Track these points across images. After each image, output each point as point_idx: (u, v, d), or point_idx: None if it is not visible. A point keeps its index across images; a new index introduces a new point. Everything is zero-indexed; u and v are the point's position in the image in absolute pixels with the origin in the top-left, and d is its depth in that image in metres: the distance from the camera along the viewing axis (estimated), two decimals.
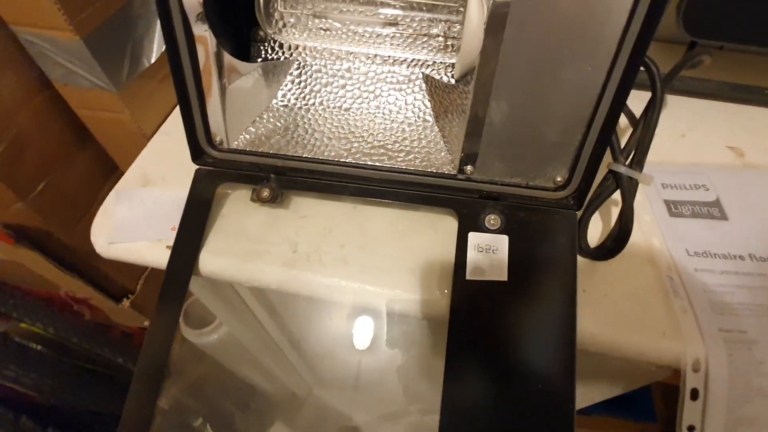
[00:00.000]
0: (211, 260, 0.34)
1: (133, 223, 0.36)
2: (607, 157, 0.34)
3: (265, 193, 0.35)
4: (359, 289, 0.34)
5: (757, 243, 0.37)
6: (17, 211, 0.40)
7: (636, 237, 0.35)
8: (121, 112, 0.40)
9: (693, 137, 0.46)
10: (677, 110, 0.47)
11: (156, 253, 0.35)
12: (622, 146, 0.34)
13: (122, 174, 0.49)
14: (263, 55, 0.39)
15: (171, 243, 0.35)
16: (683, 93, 0.50)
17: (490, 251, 0.34)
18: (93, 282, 0.52)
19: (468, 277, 0.33)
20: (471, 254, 0.33)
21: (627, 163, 0.33)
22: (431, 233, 0.36)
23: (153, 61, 0.41)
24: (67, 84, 0.39)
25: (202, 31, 0.31)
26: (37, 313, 0.58)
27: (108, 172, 0.49)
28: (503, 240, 0.34)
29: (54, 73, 0.38)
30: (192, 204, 0.36)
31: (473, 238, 0.34)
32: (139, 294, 0.61)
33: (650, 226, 0.39)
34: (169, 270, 0.34)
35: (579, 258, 0.34)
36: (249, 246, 0.35)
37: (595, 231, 0.37)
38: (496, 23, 0.28)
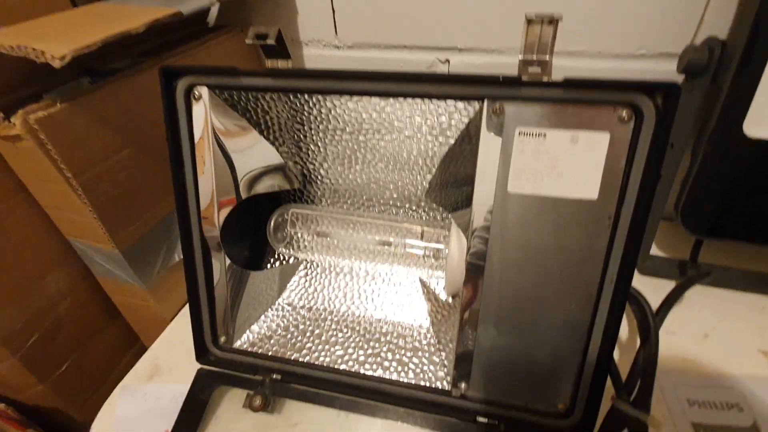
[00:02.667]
0: None
1: (131, 423, 0.37)
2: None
3: (257, 401, 0.35)
4: None
5: None
6: (35, 394, 0.43)
7: None
8: (148, 301, 0.44)
9: (718, 338, 0.42)
10: (697, 304, 0.45)
11: None
12: (626, 377, 0.32)
13: (142, 346, 0.52)
14: (276, 256, 0.43)
15: None
16: (703, 283, 0.48)
17: None
18: None
19: None
20: None
21: (632, 398, 0.31)
22: None
23: None
24: (106, 277, 0.44)
25: (219, 256, 0.36)
26: None
27: (129, 343, 0.52)
28: None
29: (96, 269, 0.44)
30: (187, 407, 0.36)
31: None
32: None
33: None
34: None
35: None
36: None
37: None
38: (475, 266, 0.30)
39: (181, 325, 0.46)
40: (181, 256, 0.47)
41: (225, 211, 0.35)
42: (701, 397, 0.38)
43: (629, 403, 0.30)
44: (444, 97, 0.28)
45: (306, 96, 0.33)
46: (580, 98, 0.26)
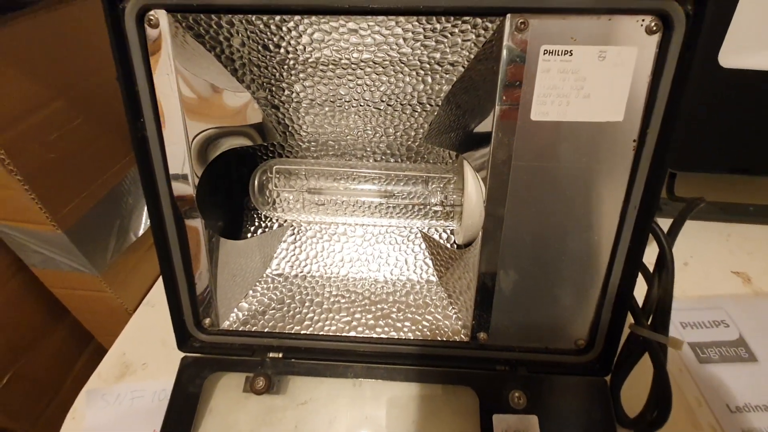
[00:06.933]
0: None
1: (107, 431, 0.31)
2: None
3: (260, 383, 0.31)
4: None
5: None
6: None
7: (672, 394, 0.32)
8: (102, 291, 0.37)
9: (696, 265, 0.45)
10: None
11: None
12: (642, 304, 0.32)
13: (99, 346, 0.45)
14: (257, 224, 0.38)
15: None
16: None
17: None
18: None
19: None
20: None
21: (649, 323, 0.31)
22: (449, 416, 0.32)
23: (141, 234, 0.39)
24: (46, 268, 0.36)
25: (194, 222, 0.30)
26: None
27: (82, 345, 0.45)
28: (533, 422, 0.30)
29: (31, 259, 0.36)
30: (176, 402, 0.31)
31: (499, 421, 0.30)
32: None
33: (682, 378, 0.36)
34: None
35: (619, 430, 0.31)
36: None
37: (628, 391, 0.34)
38: (495, 206, 0.28)
39: (147, 315, 0.40)
40: (138, 235, 0.40)
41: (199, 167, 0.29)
42: (692, 319, 0.40)
43: (648, 328, 0.30)
44: (456, 13, 0.25)
45: (289, 24, 0.28)
46: (609, 7, 0.24)
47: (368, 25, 0.27)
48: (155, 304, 0.40)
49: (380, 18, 0.26)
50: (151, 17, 0.25)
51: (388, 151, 0.35)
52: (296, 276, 0.36)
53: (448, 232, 0.37)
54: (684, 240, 0.47)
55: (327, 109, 0.32)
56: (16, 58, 0.28)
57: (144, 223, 0.40)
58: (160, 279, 0.43)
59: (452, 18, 0.26)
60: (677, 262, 0.45)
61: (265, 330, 0.33)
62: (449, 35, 0.27)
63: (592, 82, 0.25)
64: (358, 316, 0.34)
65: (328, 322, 0.34)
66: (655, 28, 0.24)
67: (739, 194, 0.52)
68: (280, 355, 0.33)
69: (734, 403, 0.34)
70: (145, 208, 0.40)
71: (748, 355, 0.37)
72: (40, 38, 0.30)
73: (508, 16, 0.24)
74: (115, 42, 0.25)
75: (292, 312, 0.34)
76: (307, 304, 0.35)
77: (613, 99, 0.26)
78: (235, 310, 0.34)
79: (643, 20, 0.24)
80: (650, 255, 0.33)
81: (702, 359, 0.37)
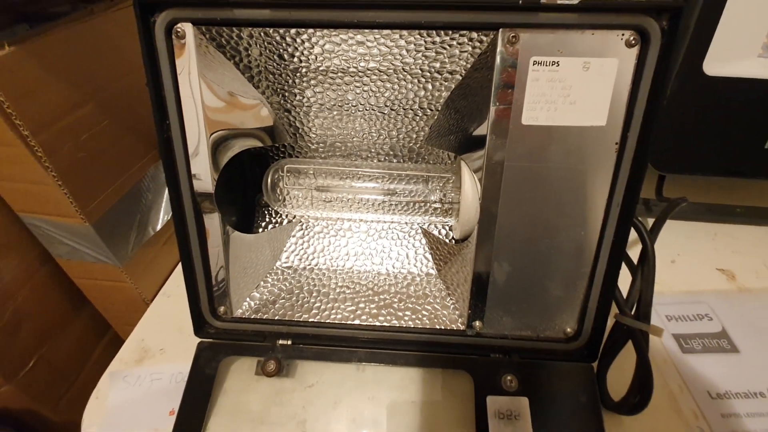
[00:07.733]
0: None
1: (128, 410, 0.34)
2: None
3: (271, 366, 0.34)
4: None
5: None
6: (3, 394, 0.38)
7: (655, 381, 0.34)
8: (123, 282, 0.40)
9: (683, 262, 0.47)
10: (662, 235, 0.49)
11: None
12: (626, 295, 0.34)
13: (116, 335, 0.48)
14: (267, 219, 0.41)
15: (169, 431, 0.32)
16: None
17: (512, 417, 0.32)
18: None
19: None
20: (493, 424, 0.31)
21: (633, 313, 0.33)
22: (446, 397, 0.34)
23: (159, 228, 0.42)
24: (71, 259, 0.39)
25: (212, 217, 0.33)
26: None
27: (99, 334, 0.47)
28: (523, 403, 0.32)
29: (58, 250, 0.39)
30: (193, 383, 0.34)
31: (492, 402, 0.32)
32: None
33: (666, 367, 0.38)
34: None
35: (604, 413, 0.33)
36: (254, 428, 0.32)
37: (614, 377, 0.36)
38: (489, 204, 0.30)
39: (164, 305, 0.43)
40: (156, 230, 0.43)
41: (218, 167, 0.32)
42: (676, 313, 0.42)
43: (632, 317, 0.33)
44: (454, 27, 0.27)
45: (302, 36, 0.30)
46: (592, 23, 0.26)
47: (374, 38, 0.29)
48: (171, 295, 0.43)
49: (385, 31, 0.29)
50: (179, 29, 0.28)
51: (391, 152, 0.37)
52: (304, 268, 0.39)
53: (447, 228, 0.40)
54: (672, 239, 0.50)
55: (335, 113, 0.35)
56: (53, 65, 0.31)
57: (161, 218, 0.43)
58: (176, 271, 0.46)
59: (450, 32, 0.29)
60: (665, 259, 0.48)
61: (276, 318, 0.36)
62: (448, 47, 0.30)
63: (578, 90, 0.28)
64: (362, 305, 0.36)
65: (333, 311, 0.36)
66: (633, 42, 0.27)
67: (726, 196, 0.54)
68: (289, 342, 0.35)
69: (715, 391, 0.36)
70: (163, 205, 0.43)
71: (731, 346, 0.39)
72: (73, 47, 0.32)
73: (501, 30, 0.27)
74: (146, 51, 0.28)
75: (300, 301, 0.37)
76: (314, 294, 0.37)
77: (597, 105, 0.28)
78: (248, 299, 0.37)
79: (623, 35, 0.26)
80: (638, 251, 0.36)
81: (685, 350, 0.39)
